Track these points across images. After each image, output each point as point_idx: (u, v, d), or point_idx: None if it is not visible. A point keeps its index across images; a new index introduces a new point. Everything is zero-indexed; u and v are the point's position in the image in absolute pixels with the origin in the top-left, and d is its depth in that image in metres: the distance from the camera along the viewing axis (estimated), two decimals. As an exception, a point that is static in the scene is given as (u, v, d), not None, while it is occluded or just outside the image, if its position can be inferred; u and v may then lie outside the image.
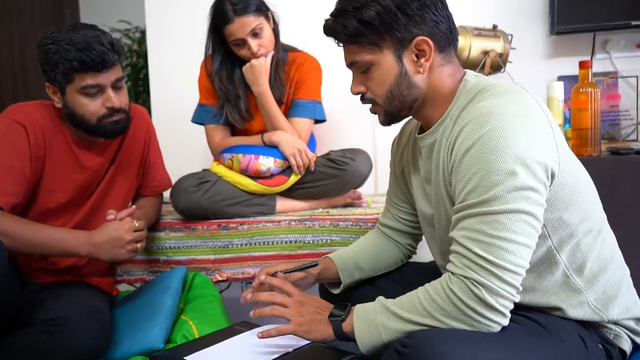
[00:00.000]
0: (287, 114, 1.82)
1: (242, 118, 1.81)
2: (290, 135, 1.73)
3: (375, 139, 2.24)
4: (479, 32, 1.88)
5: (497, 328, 0.89)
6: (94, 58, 1.31)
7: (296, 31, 1.96)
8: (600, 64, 2.08)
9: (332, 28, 1.02)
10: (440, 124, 1.04)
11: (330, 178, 1.73)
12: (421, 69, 1.01)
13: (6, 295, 1.24)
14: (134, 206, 1.47)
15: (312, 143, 1.88)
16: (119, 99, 1.40)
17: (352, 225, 1.60)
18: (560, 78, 2.09)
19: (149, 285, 1.57)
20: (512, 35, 1.96)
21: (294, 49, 1.88)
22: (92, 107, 1.37)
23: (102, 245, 1.34)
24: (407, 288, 1.33)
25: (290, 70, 1.83)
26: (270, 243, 1.64)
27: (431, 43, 0.99)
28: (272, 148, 1.71)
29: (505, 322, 0.89)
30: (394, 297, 1.31)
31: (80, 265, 1.50)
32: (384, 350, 0.97)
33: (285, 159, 1.70)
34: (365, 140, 2.20)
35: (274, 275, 1.19)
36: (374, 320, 0.97)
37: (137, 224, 1.40)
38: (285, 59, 1.83)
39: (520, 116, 0.91)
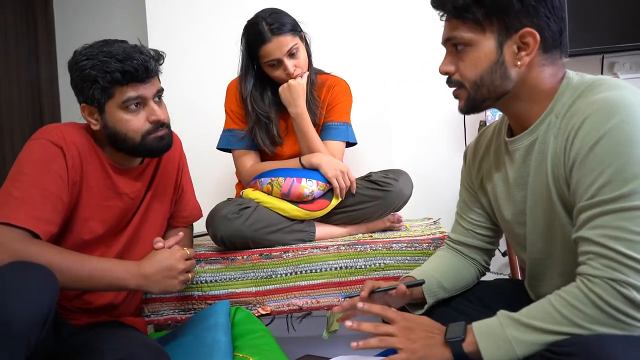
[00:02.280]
0: (320, 136, 1.75)
1: (273, 142, 1.73)
2: (331, 157, 1.65)
3: (392, 163, 2.18)
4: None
5: None
6: (137, 67, 1.21)
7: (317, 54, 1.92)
8: (608, 86, 2.15)
9: None
10: (541, 122, 1.00)
11: (373, 200, 1.65)
12: (519, 62, 0.96)
13: (47, 339, 1.08)
14: (180, 233, 1.34)
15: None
16: (162, 112, 1.30)
17: (406, 247, 1.52)
18: (570, 100, 2.13)
19: (192, 323, 1.42)
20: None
21: (321, 72, 1.83)
22: (136, 123, 1.26)
23: (152, 277, 1.20)
24: (484, 307, 1.27)
25: (321, 93, 1.77)
26: (318, 270, 1.53)
27: (538, 38, 0.95)
28: (313, 171, 1.63)
29: None
30: (471, 318, 1.24)
31: (116, 304, 1.35)
32: None
33: (327, 181, 1.62)
34: (382, 163, 2.14)
35: (373, 293, 1.09)
36: (502, 335, 0.90)
37: (188, 252, 1.27)
38: (315, 81, 1.77)
39: None
